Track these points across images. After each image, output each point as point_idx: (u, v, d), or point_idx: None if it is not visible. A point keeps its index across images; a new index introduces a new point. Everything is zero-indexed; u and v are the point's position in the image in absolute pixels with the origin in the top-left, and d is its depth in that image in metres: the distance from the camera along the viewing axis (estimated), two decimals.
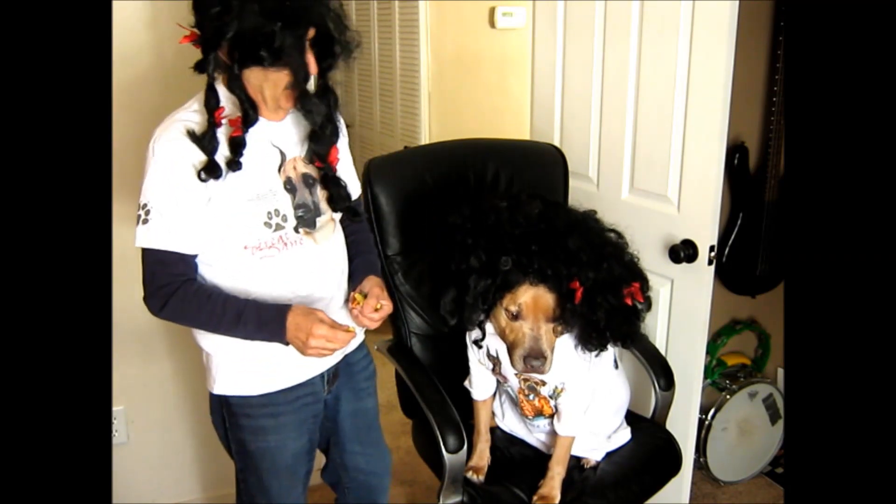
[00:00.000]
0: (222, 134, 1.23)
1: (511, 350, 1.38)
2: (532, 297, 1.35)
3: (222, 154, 1.23)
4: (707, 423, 2.18)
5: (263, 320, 1.25)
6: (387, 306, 1.36)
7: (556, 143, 2.02)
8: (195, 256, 1.27)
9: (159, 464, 2.10)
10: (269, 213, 1.27)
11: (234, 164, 1.23)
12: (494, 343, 1.48)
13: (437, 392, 1.52)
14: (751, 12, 1.95)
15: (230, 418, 1.38)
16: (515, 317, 1.36)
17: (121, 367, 1.93)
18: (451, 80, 3.53)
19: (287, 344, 1.26)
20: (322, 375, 1.42)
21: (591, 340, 1.40)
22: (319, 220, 1.34)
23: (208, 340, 1.36)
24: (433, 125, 3.50)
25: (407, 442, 1.99)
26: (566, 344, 1.44)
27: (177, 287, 1.24)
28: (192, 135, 1.21)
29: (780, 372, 2.48)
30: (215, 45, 1.17)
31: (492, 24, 3.52)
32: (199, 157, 1.21)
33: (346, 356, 1.48)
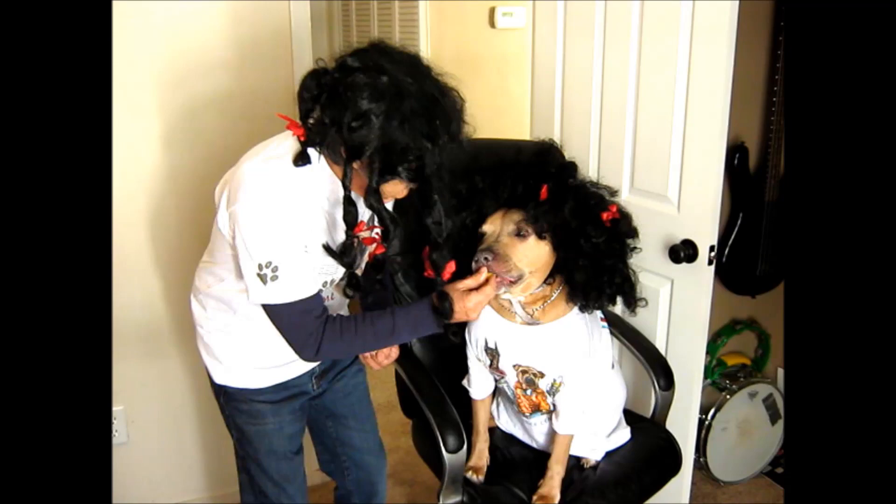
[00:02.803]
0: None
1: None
2: (499, 217, 1.40)
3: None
4: (707, 423, 2.18)
5: (415, 323, 1.28)
6: (394, 354, 1.46)
7: (557, 143, 2.02)
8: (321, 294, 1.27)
9: (159, 464, 2.10)
10: (326, 282, 1.31)
11: (375, 284, 1.29)
12: (493, 334, 1.48)
13: (436, 392, 1.52)
14: (751, 12, 1.95)
15: (229, 406, 1.44)
16: (482, 237, 1.40)
17: (121, 367, 1.93)
18: (451, 80, 3.52)
19: (446, 330, 1.31)
20: (310, 373, 1.48)
21: (579, 285, 1.39)
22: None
23: (218, 343, 1.40)
24: None
25: (407, 442, 1.99)
26: (564, 333, 1.44)
27: (321, 332, 1.23)
28: (328, 249, 1.21)
29: (780, 372, 2.48)
30: (355, 157, 1.13)
31: (492, 24, 3.52)
32: (312, 217, 1.21)
33: None
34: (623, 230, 1.43)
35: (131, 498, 2.06)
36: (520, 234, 1.37)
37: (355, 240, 1.22)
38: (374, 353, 1.44)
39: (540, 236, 1.37)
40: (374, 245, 1.32)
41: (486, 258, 1.32)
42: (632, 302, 1.45)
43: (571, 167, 1.46)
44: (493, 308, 1.48)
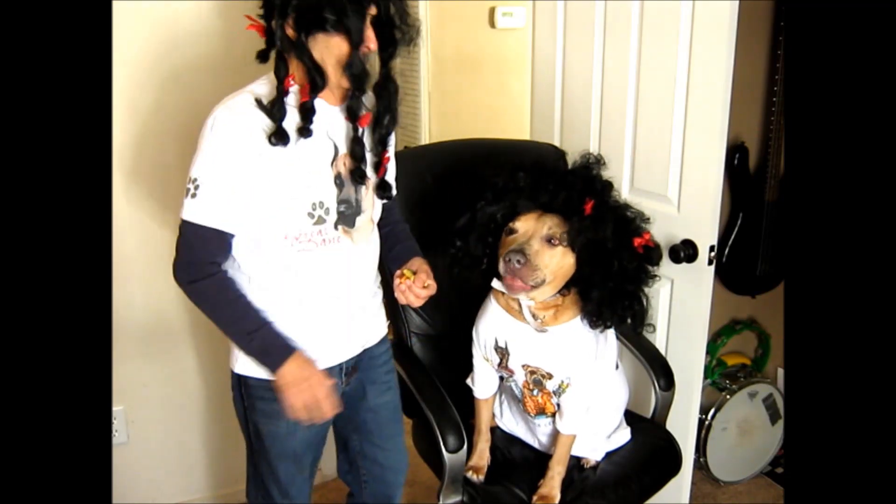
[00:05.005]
0: (291, 104, 1.26)
1: (499, 260, 1.38)
2: (533, 218, 1.39)
3: (292, 121, 1.25)
4: (707, 423, 2.18)
5: (268, 349, 1.29)
6: (433, 286, 1.39)
7: (556, 143, 2.02)
8: (232, 237, 1.28)
9: (159, 464, 2.10)
10: (314, 203, 1.29)
11: (304, 132, 1.26)
12: (504, 334, 1.48)
13: (437, 392, 1.52)
14: (751, 12, 1.95)
15: (247, 399, 1.41)
16: (512, 232, 1.39)
17: (121, 367, 1.93)
18: (451, 80, 3.52)
19: (272, 379, 1.31)
20: (340, 367, 1.43)
21: (594, 303, 1.38)
22: (359, 220, 1.36)
23: None
24: (433, 125, 3.50)
25: (407, 442, 1.99)
26: (574, 336, 1.44)
27: (214, 273, 1.26)
28: (259, 103, 1.24)
29: (780, 372, 2.48)
30: (283, 13, 1.21)
31: (492, 24, 3.52)
32: (260, 131, 1.23)
33: (368, 349, 1.49)
34: (653, 259, 1.43)
35: (131, 498, 2.06)
36: (551, 241, 1.36)
37: (283, 95, 1.25)
38: (409, 284, 1.38)
39: (571, 248, 1.37)
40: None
41: (518, 261, 1.32)
42: (640, 325, 1.45)
43: (610, 186, 1.45)
44: (503, 308, 1.48)
